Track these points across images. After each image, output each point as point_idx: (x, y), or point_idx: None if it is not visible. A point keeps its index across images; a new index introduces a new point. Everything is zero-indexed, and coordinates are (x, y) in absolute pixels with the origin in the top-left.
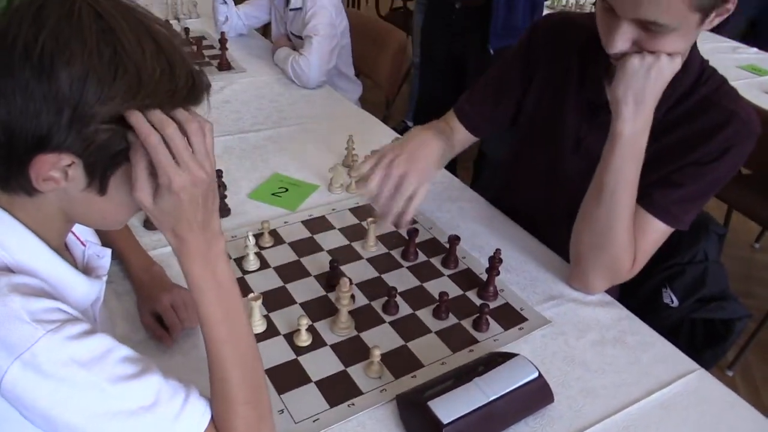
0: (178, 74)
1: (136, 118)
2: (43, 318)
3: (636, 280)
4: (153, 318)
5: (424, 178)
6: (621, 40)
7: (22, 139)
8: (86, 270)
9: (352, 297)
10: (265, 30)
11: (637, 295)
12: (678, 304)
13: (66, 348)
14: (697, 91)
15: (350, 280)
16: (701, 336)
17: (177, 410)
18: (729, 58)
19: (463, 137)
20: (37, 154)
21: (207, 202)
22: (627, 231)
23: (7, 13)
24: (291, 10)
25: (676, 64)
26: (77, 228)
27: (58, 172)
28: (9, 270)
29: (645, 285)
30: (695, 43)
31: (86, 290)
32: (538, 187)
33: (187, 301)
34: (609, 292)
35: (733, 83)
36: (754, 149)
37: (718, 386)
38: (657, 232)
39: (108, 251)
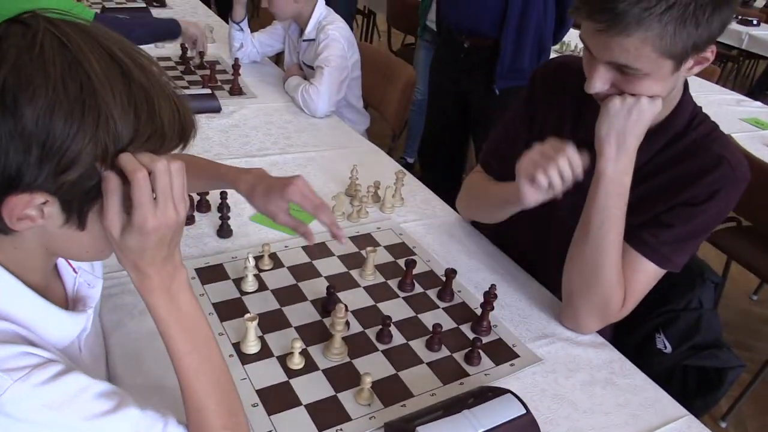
0: (157, 110)
1: (125, 155)
2: (11, 366)
3: (630, 324)
4: (289, 214)
5: None
6: (599, 81)
7: None
8: (75, 300)
9: (347, 324)
10: (278, 58)
11: (630, 340)
12: (671, 350)
13: (35, 394)
14: (688, 135)
15: (346, 306)
16: (693, 384)
17: None
18: (733, 110)
19: None
20: (8, 195)
21: (172, 242)
22: (615, 269)
23: None
24: (304, 40)
25: (656, 105)
26: None
27: (33, 210)
28: None
29: (639, 330)
30: (687, 88)
31: (68, 326)
32: (534, 225)
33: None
34: (602, 334)
35: (735, 135)
36: (756, 202)
37: None
38: (647, 272)
39: (99, 281)
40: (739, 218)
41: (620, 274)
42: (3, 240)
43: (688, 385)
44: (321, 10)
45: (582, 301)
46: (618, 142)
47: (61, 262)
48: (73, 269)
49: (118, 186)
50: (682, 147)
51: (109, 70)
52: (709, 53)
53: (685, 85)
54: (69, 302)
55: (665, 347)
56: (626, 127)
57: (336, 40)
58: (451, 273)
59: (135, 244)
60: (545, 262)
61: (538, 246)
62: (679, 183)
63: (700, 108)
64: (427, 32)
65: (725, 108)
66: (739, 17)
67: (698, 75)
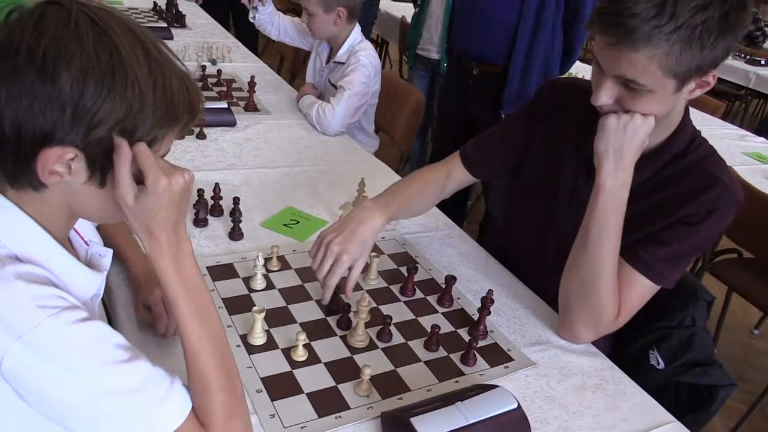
0: (169, 82)
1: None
2: (45, 304)
3: (625, 340)
4: (145, 309)
5: (359, 255)
6: (605, 94)
7: (29, 135)
8: (88, 266)
9: (369, 312)
10: (290, 79)
11: (625, 356)
12: (664, 366)
13: (64, 332)
14: (687, 157)
15: (368, 294)
16: (685, 400)
17: (162, 396)
18: (736, 144)
19: (462, 177)
20: (43, 148)
21: (181, 205)
22: (611, 280)
23: (7, 25)
24: (335, 62)
25: (649, 123)
26: (82, 230)
27: (62, 167)
28: (17, 259)
29: (633, 346)
30: (687, 112)
31: (88, 281)
32: (533, 238)
33: None
34: (599, 349)
35: (737, 168)
36: (758, 234)
37: None
38: (642, 287)
39: (109, 251)
40: (740, 250)
41: (615, 286)
42: (33, 197)
43: (680, 401)
44: (356, 36)
45: (577, 311)
46: (616, 158)
47: (75, 236)
48: (85, 242)
49: (128, 158)
50: (681, 167)
51: (133, 43)
52: (711, 77)
53: (686, 108)
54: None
55: (658, 363)
56: (623, 143)
57: (365, 66)
58: (451, 280)
59: (148, 205)
60: (542, 275)
61: (536, 258)
62: (676, 202)
63: (699, 132)
64: (419, 61)
65: (728, 142)
66: (748, 57)
67: (702, 110)
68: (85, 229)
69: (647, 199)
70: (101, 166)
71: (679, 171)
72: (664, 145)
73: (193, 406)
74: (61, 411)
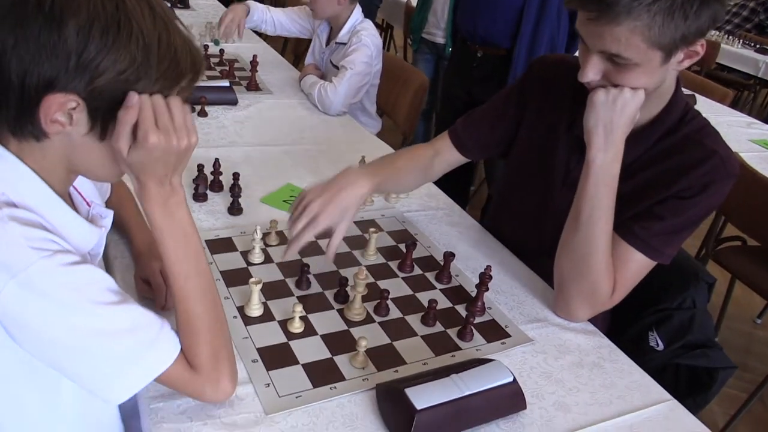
0: (173, 39)
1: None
2: (39, 246)
3: (624, 322)
4: (144, 284)
5: (339, 220)
6: (591, 70)
7: (33, 81)
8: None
9: (367, 286)
10: (294, 61)
11: (624, 337)
12: (663, 347)
13: (57, 273)
14: (680, 131)
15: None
16: (684, 383)
17: (152, 338)
18: (743, 131)
19: (450, 157)
20: (46, 95)
21: (172, 163)
22: (604, 257)
23: None
24: (337, 43)
25: (639, 96)
26: (85, 192)
27: (63, 116)
28: (14, 206)
29: (633, 327)
30: (679, 84)
31: (85, 234)
32: (529, 218)
33: None
34: (596, 328)
35: (743, 155)
36: (763, 221)
37: (689, 417)
38: (638, 263)
39: (110, 212)
40: (744, 237)
41: (609, 263)
42: (34, 148)
43: (679, 384)
44: (357, 15)
45: (573, 289)
46: (605, 132)
47: (76, 196)
48: (87, 203)
49: (134, 114)
50: (675, 141)
51: (140, 1)
52: (699, 47)
53: (677, 81)
54: None
55: (657, 345)
56: (612, 118)
57: (366, 46)
58: (449, 256)
59: (138, 158)
60: (538, 254)
61: (533, 238)
62: (670, 176)
63: (691, 104)
64: (424, 45)
65: (735, 129)
66: (757, 46)
67: (709, 97)
68: (87, 192)
69: (641, 174)
70: (102, 118)
71: (672, 145)
72: (656, 119)
73: (182, 349)
74: (53, 351)
